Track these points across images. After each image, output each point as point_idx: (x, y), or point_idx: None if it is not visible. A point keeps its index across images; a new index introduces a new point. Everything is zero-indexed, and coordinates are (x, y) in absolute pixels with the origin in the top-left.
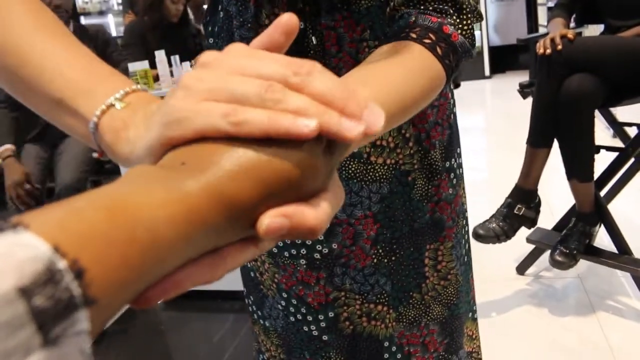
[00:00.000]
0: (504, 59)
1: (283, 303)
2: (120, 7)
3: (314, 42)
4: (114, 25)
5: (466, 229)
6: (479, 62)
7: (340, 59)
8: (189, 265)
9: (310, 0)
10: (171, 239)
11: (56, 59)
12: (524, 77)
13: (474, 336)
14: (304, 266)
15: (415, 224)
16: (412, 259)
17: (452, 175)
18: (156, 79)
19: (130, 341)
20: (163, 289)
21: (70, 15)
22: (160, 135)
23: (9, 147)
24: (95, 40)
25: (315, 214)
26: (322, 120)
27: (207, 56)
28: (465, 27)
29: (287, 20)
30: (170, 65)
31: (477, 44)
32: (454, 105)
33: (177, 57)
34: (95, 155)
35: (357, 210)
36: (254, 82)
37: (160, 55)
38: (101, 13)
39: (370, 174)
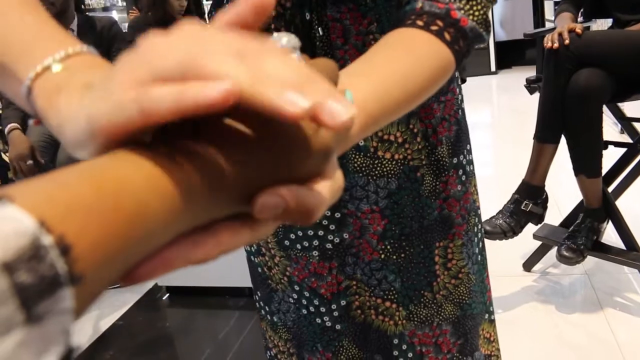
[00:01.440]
0: (510, 54)
1: (295, 296)
2: (124, 4)
3: (320, 34)
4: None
5: (479, 227)
6: (485, 57)
7: (346, 51)
8: (180, 241)
9: None
10: (158, 208)
11: (5, 21)
12: (530, 72)
13: (491, 339)
14: (317, 257)
15: (424, 220)
16: (422, 256)
17: (460, 172)
18: None
19: (135, 337)
20: (153, 266)
21: (63, 9)
22: (87, 127)
23: (15, 123)
24: (101, 34)
25: (312, 197)
26: (250, 90)
27: (146, 38)
28: (477, 13)
29: None
30: None
31: None
32: (461, 101)
33: None
34: (31, 122)
35: (363, 205)
36: (177, 55)
37: None
38: (105, 9)
39: (378, 168)
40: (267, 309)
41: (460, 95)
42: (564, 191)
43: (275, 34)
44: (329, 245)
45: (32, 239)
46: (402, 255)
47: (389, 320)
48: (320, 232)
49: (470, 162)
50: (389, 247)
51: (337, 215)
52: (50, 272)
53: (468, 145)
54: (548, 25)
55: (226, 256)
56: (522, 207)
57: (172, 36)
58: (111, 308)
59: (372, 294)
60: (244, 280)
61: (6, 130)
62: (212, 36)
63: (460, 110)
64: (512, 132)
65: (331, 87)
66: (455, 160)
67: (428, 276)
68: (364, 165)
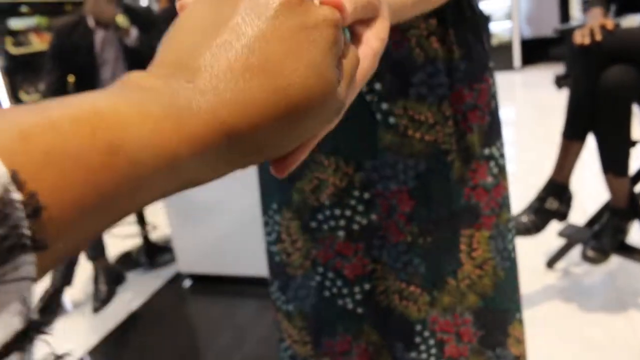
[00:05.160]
0: (535, 51)
1: (318, 278)
2: None
3: None
4: None
5: (512, 224)
6: (509, 53)
7: None
8: None
9: None
10: (154, 166)
11: None
12: (555, 69)
13: (520, 338)
14: (343, 237)
15: (452, 205)
16: (449, 242)
17: (492, 163)
18: None
19: (155, 323)
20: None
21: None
22: None
23: None
24: (141, 22)
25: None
26: None
27: None
28: None
29: None
30: None
31: (508, 35)
32: (495, 92)
33: None
34: None
35: (391, 184)
36: None
37: None
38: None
39: (407, 147)
40: (284, 298)
41: (493, 87)
42: (589, 191)
43: None
44: (356, 227)
45: (1, 192)
46: (429, 239)
47: (412, 305)
48: (348, 213)
49: (503, 156)
50: (416, 229)
51: (366, 196)
52: (13, 233)
53: (501, 139)
54: (573, 23)
55: (247, 245)
56: (546, 205)
57: None
58: (135, 293)
59: (397, 278)
60: (264, 270)
61: None
62: None
63: (493, 102)
64: (536, 129)
65: None
66: (487, 151)
67: (453, 263)
68: (393, 142)
